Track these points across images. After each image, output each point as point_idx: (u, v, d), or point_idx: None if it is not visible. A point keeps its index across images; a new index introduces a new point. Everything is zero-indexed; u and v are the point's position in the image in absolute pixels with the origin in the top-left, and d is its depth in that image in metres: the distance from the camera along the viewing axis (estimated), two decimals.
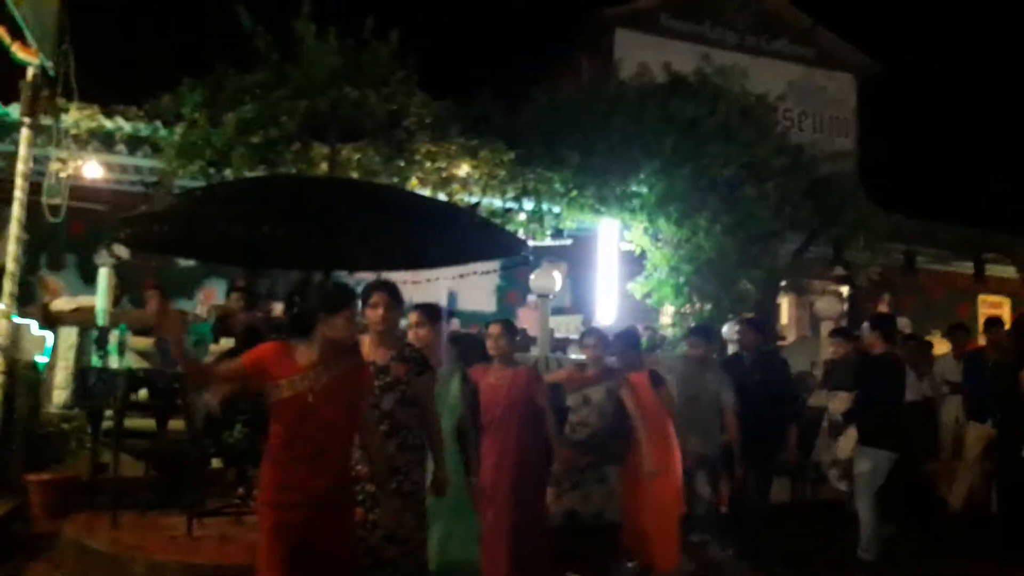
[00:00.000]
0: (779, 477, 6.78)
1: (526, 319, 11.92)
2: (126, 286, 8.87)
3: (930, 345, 8.90)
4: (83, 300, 8.05)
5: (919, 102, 18.64)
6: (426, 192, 8.18)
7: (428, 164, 8.28)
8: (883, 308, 10.83)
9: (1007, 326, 8.14)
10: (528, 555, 4.69)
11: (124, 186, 9.25)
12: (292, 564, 3.13)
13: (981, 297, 15.60)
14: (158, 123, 7.92)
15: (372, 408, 3.57)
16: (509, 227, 8.55)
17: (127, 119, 7.95)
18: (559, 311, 10.41)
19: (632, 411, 5.00)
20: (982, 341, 8.72)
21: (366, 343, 3.70)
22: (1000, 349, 7.55)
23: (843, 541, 6.04)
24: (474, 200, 8.62)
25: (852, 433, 5.99)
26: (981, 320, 12.67)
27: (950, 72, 18.45)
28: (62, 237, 9.51)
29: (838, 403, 6.30)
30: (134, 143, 8.07)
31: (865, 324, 6.12)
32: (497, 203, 8.89)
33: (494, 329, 4.91)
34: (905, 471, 5.93)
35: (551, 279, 8.28)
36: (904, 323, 9.55)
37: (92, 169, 8.26)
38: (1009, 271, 13.77)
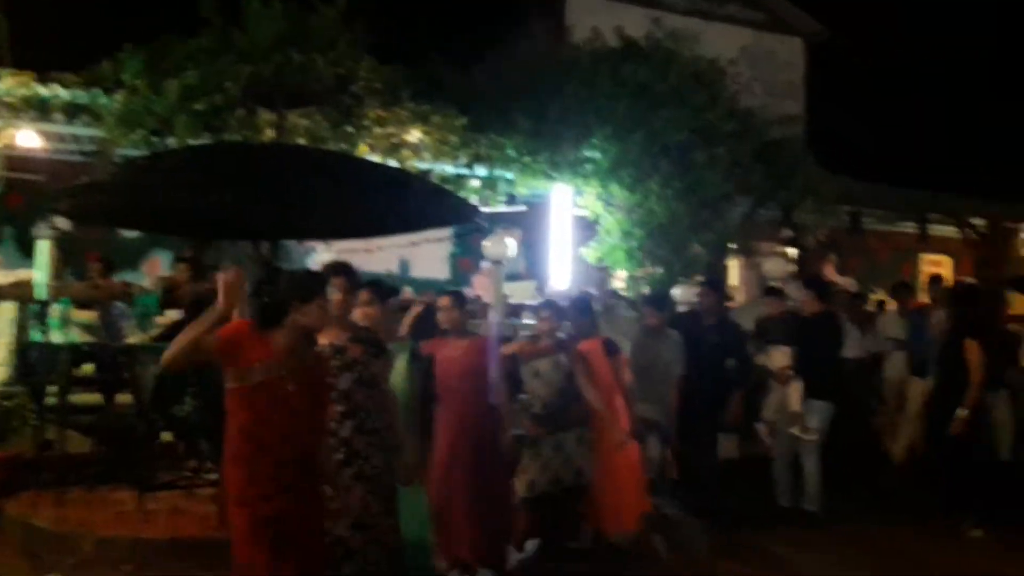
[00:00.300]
0: (727, 435, 6.93)
1: (480, 286, 11.89)
2: (68, 259, 8.62)
3: (879, 303, 9.17)
4: (22, 274, 7.81)
5: (865, 68, 18.89)
6: (376, 159, 8.07)
7: (378, 130, 8.16)
8: (829, 269, 11.03)
9: (949, 283, 8.42)
10: (493, 529, 4.68)
11: (63, 156, 8.94)
12: (274, 558, 3.07)
13: (923, 256, 16.02)
14: (97, 90, 7.65)
15: (329, 389, 3.54)
16: (462, 194, 8.50)
17: (64, 86, 7.64)
18: (513, 277, 10.37)
19: (583, 385, 4.99)
20: (924, 299, 8.99)
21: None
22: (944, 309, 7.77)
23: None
24: (425, 167, 8.54)
25: (798, 385, 6.12)
26: (923, 278, 13.06)
27: (895, 38, 18.70)
28: None
29: (776, 359, 6.42)
30: (72, 111, 7.77)
31: (798, 285, 6.29)
32: (449, 169, 8.82)
33: (444, 302, 4.86)
34: (849, 426, 6.11)
35: (504, 245, 8.25)
36: (850, 283, 9.79)
37: (28, 138, 7.96)
38: (950, 231, 14.14)
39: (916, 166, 15.66)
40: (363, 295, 4.22)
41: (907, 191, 12.67)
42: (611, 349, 5.34)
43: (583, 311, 5.53)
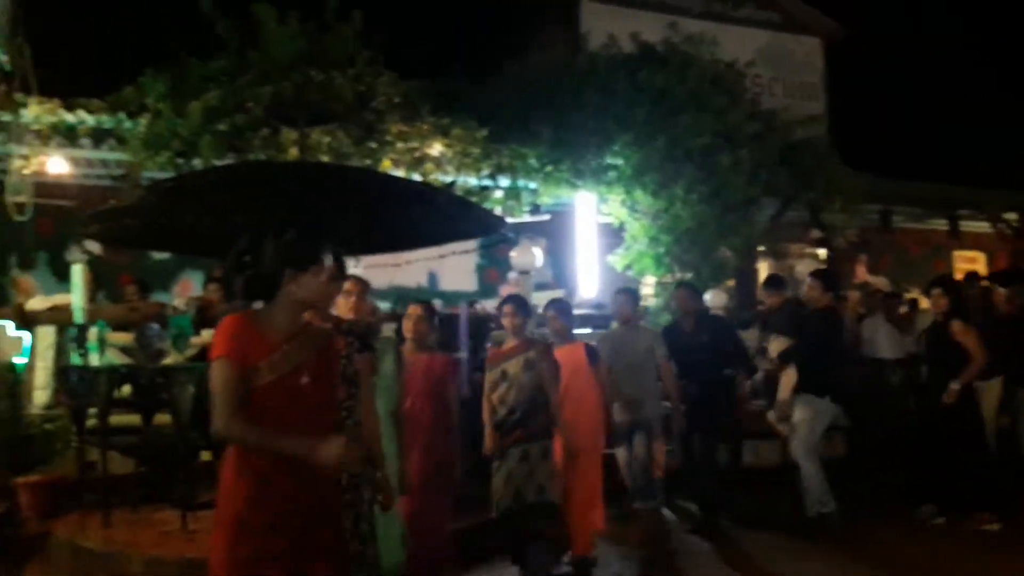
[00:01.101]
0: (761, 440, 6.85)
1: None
2: (101, 281, 8.75)
3: (912, 301, 9.03)
4: (58, 298, 7.92)
5: (886, 64, 18.70)
6: (399, 173, 8.11)
7: (400, 145, 8.20)
8: (861, 269, 10.93)
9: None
10: (424, 555, 4.12)
11: (91, 180, 9.09)
12: None
13: (956, 253, 15.79)
14: (122, 115, 7.77)
15: (338, 373, 3.18)
16: (486, 205, 8.52)
17: (89, 112, 7.78)
18: (541, 287, 10.38)
19: (548, 384, 4.56)
20: None
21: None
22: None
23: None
24: (449, 179, 8.57)
25: (791, 374, 5.93)
26: (958, 276, 12.84)
27: (914, 32, 18.51)
28: (30, 236, 9.32)
29: (775, 345, 6.26)
30: (98, 136, 7.92)
31: (808, 276, 6.15)
32: (472, 181, 8.84)
33: (413, 311, 4.49)
34: (886, 427, 5.99)
35: (531, 255, 8.26)
36: (883, 282, 9.69)
37: (57, 164, 8.10)
38: (983, 226, 13.93)
39: (944, 161, 15.46)
40: (349, 284, 3.85)
41: (936, 186, 12.51)
42: (592, 355, 5.06)
43: (564, 313, 5.21)
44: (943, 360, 5.95)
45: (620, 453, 5.68)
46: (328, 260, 2.77)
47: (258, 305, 2.78)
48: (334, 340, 3.07)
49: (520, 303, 4.87)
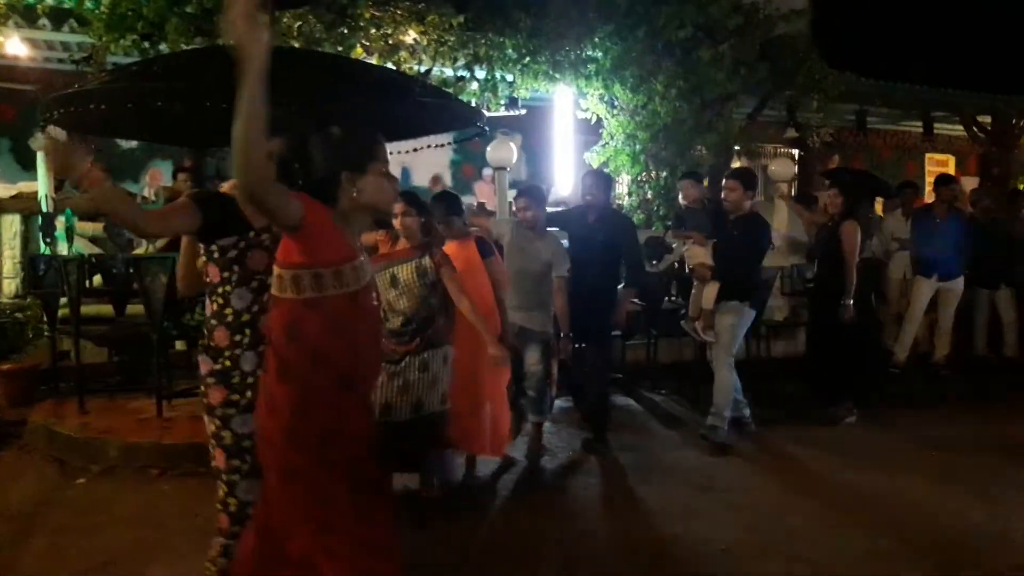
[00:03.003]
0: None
1: (483, 193, 11.83)
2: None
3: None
4: (23, 186, 7.75)
5: None
6: (372, 61, 7.88)
7: (373, 31, 7.92)
8: (832, 168, 10.92)
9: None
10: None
11: (53, 64, 8.76)
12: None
13: (928, 156, 15.88)
14: None
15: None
16: (461, 97, 8.34)
17: None
18: (515, 183, 10.33)
19: (453, 292, 4.07)
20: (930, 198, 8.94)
21: None
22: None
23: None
24: (423, 68, 8.34)
25: (714, 284, 5.70)
26: (929, 178, 12.97)
27: None
28: None
29: (695, 254, 5.99)
30: (58, 17, 7.57)
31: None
32: (448, 72, 8.62)
33: (398, 207, 4.00)
34: (859, 324, 6.09)
35: (508, 150, 8.14)
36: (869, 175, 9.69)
37: (15, 46, 7.78)
38: (956, 129, 13.96)
39: (923, 63, 15.30)
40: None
41: (912, 88, 12.42)
42: (485, 250, 4.60)
43: (451, 208, 4.61)
44: (831, 259, 6.04)
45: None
46: (385, 153, 2.45)
47: None
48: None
49: (412, 199, 4.14)
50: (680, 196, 6.76)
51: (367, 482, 2.37)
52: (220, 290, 2.68)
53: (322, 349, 2.26)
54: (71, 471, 4.79)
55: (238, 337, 2.67)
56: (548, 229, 5.26)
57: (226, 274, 2.66)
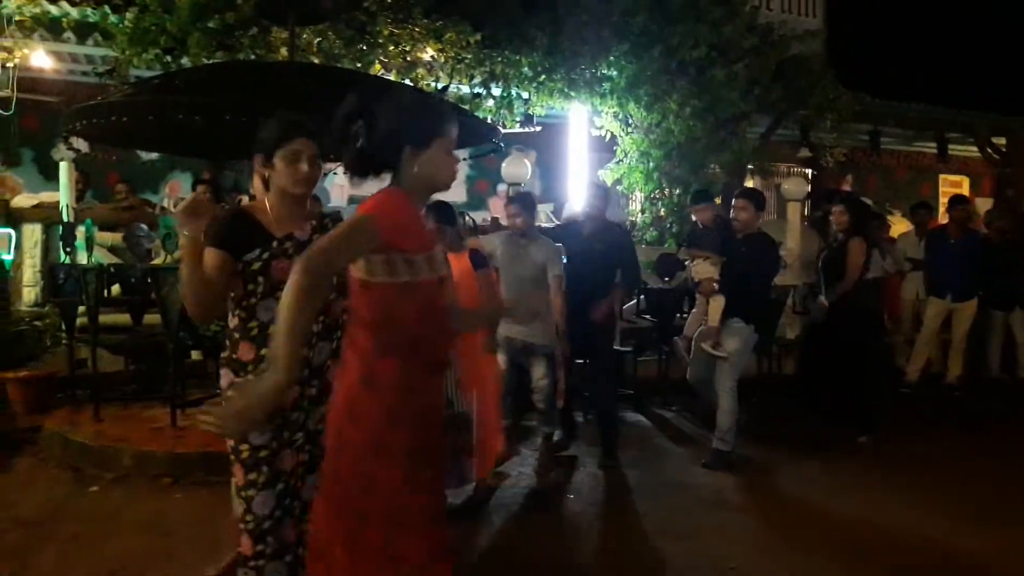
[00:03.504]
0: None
1: (496, 208, 11.88)
2: (89, 180, 8.67)
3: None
4: (44, 196, 7.86)
5: None
6: (390, 77, 7.97)
7: (392, 48, 8.02)
8: (845, 188, 10.94)
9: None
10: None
11: (77, 77, 8.91)
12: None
13: (942, 176, 15.82)
14: (106, 8, 7.56)
15: None
16: (477, 114, 8.42)
17: (73, 4, 7.57)
18: None
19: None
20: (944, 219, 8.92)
21: (267, 209, 2.65)
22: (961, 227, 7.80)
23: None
24: (440, 85, 8.43)
25: (720, 300, 5.63)
26: (943, 199, 12.93)
27: None
28: (16, 132, 9.18)
29: (701, 269, 5.94)
30: (83, 30, 7.71)
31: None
32: (464, 89, 8.70)
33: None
34: (867, 344, 6.10)
35: (523, 167, 8.20)
36: (867, 203, 9.70)
37: (40, 59, 7.92)
38: (971, 150, 13.93)
39: (937, 84, 15.30)
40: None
41: (926, 107, 12.42)
42: (478, 262, 4.53)
43: (445, 219, 4.43)
44: (836, 277, 6.07)
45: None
46: (454, 131, 2.27)
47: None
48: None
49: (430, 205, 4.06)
50: (693, 216, 6.79)
51: (435, 481, 2.32)
52: (244, 303, 2.61)
53: (417, 335, 2.17)
54: (85, 478, 4.83)
55: (264, 351, 2.52)
56: (541, 236, 5.25)
57: (251, 287, 2.59)
